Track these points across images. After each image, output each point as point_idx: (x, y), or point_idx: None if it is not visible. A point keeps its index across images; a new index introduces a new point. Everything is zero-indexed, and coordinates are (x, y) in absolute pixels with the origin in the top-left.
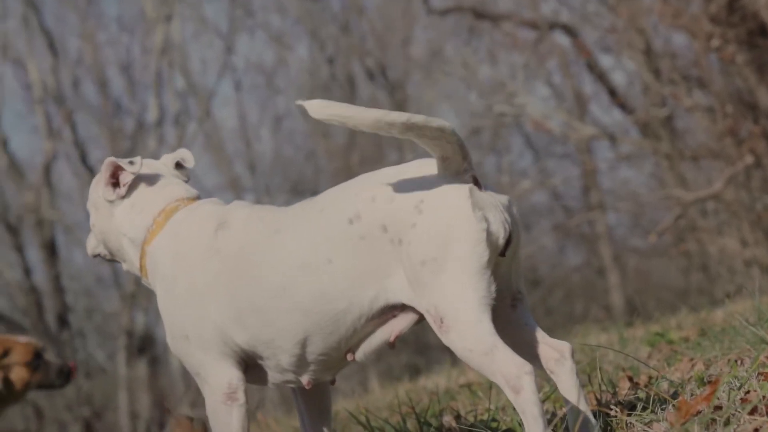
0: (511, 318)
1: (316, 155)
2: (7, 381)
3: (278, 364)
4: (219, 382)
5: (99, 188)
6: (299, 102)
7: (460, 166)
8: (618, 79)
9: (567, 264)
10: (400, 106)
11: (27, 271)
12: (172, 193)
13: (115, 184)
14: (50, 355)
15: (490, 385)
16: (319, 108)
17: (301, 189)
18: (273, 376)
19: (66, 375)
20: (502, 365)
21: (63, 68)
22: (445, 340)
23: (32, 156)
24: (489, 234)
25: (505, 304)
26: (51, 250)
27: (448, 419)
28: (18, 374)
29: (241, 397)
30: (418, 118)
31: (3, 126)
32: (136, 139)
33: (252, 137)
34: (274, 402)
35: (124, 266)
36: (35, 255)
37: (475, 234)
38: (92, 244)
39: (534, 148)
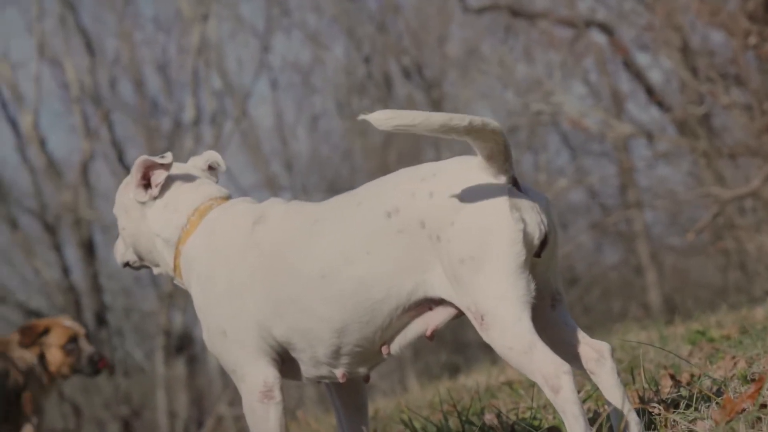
0: (551, 318)
1: (352, 154)
2: (42, 359)
3: (314, 356)
4: (255, 380)
5: (130, 190)
6: (362, 116)
7: (502, 166)
8: (655, 77)
9: (604, 262)
10: (436, 104)
11: (65, 270)
12: (205, 192)
13: (146, 185)
14: (84, 343)
15: (532, 383)
16: (384, 120)
17: (337, 188)
18: (308, 371)
19: (95, 364)
20: (541, 364)
21: (100, 68)
22: (486, 338)
23: (70, 155)
24: (525, 235)
25: (545, 305)
26: (89, 249)
27: (489, 417)
28: (53, 355)
29: (277, 395)
30: (477, 122)
31: (41, 125)
32: (173, 138)
33: (288, 136)
34: (312, 400)
35: (156, 270)
36: (73, 254)
37: (512, 234)
38: (121, 251)
39: (571, 147)
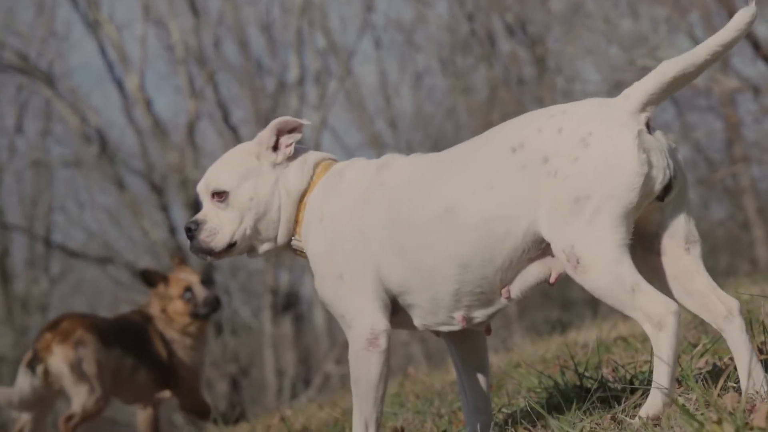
0: (685, 264)
1: (456, 111)
2: (165, 311)
3: (434, 297)
4: (362, 326)
5: (260, 154)
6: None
7: (656, 106)
8: (761, 31)
9: (711, 218)
10: (540, 61)
11: (172, 230)
12: (323, 153)
13: (273, 148)
14: (198, 289)
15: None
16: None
17: (441, 146)
18: (425, 318)
19: (210, 305)
20: (646, 302)
21: (204, 28)
22: (581, 280)
23: (176, 116)
24: (648, 179)
25: (679, 249)
26: (195, 209)
27: (606, 371)
28: (175, 305)
29: (383, 343)
30: None
31: (146, 87)
32: (278, 98)
33: (392, 94)
34: (420, 358)
35: (264, 247)
36: (180, 214)
37: (633, 178)
38: (229, 231)
39: (677, 102)
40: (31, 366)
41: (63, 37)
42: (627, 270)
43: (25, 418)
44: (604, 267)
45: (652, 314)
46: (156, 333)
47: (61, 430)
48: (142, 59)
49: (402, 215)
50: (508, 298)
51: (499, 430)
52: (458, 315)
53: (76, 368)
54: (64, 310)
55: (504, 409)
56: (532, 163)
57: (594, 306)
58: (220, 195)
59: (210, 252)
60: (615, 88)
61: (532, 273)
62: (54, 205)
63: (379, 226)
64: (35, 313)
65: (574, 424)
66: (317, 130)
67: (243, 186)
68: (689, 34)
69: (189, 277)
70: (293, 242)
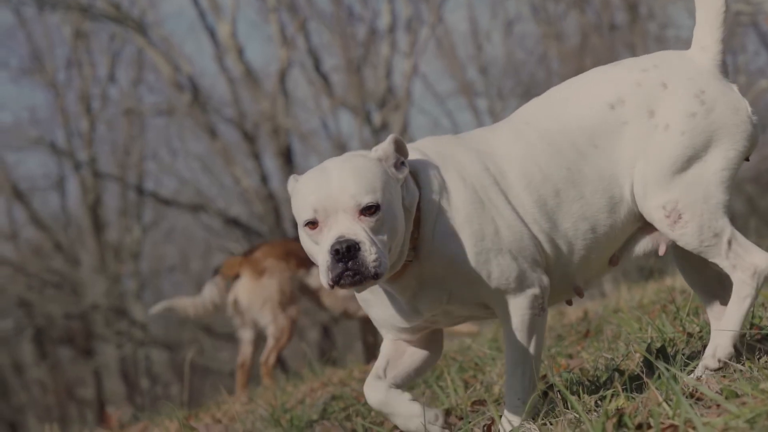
0: None
1: (547, 58)
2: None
3: (566, 270)
4: (535, 290)
5: (388, 170)
6: None
7: (722, 60)
8: None
9: None
10: (632, 6)
11: (264, 178)
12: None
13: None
14: None
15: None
16: None
17: (533, 93)
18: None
19: None
20: (743, 253)
21: None
22: (677, 234)
23: (267, 64)
24: (755, 137)
25: None
26: (287, 157)
27: (705, 317)
28: None
29: (547, 303)
30: None
31: (238, 35)
32: (369, 45)
33: (483, 41)
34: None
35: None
36: (271, 162)
37: (747, 139)
38: (387, 253)
39: None
40: (214, 279)
41: None
42: (725, 223)
43: (246, 353)
44: (703, 223)
45: (750, 263)
46: None
47: (262, 372)
48: (234, 7)
49: (542, 189)
50: (616, 264)
51: (602, 375)
52: (577, 288)
53: (259, 298)
54: (155, 258)
55: (605, 354)
56: (635, 117)
57: None
58: (371, 210)
59: (369, 278)
60: None
61: (640, 241)
62: (146, 154)
63: (522, 200)
64: (127, 261)
65: (681, 368)
66: (408, 77)
67: (387, 200)
68: None
69: None
70: (410, 256)
